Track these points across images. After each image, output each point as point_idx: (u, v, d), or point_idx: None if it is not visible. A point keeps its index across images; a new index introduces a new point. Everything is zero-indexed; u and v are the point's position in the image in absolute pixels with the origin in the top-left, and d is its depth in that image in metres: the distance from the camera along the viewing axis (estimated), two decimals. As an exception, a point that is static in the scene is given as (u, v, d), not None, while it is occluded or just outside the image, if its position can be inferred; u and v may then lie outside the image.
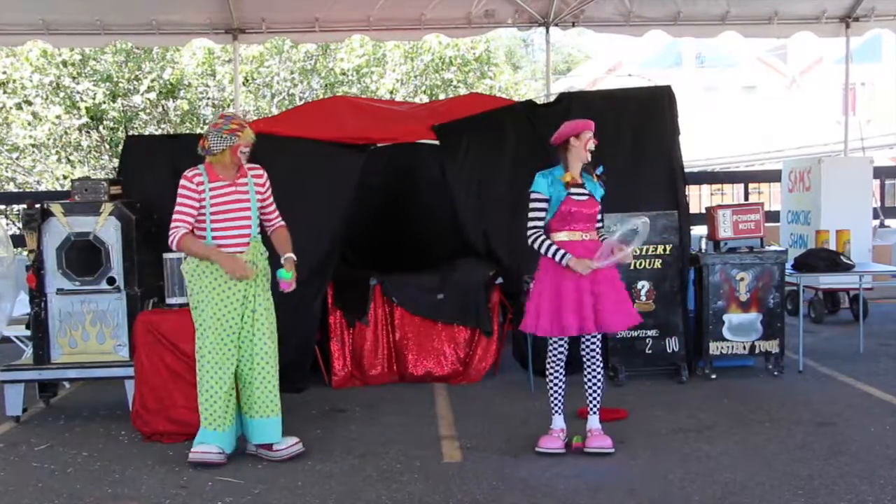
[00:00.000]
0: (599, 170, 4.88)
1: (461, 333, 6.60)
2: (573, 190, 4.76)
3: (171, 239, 4.75)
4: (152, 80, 15.92)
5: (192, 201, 4.76)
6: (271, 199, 5.04)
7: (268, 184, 5.01)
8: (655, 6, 9.39)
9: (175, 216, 4.76)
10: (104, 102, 15.85)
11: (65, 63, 15.51)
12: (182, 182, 4.80)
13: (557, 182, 4.78)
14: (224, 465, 4.80)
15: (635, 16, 9.46)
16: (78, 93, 15.68)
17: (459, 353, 6.59)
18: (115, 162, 16.18)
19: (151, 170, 6.71)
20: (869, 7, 9.51)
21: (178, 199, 4.77)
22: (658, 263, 6.36)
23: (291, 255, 4.95)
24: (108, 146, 16.67)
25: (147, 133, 16.14)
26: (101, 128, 16.42)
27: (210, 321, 4.77)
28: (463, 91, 16.97)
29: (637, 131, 6.81)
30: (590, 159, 4.84)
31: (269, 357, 4.88)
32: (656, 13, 9.50)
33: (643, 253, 6.33)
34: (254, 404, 4.89)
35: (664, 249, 6.36)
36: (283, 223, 5.08)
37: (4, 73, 15.35)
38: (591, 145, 4.79)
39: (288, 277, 4.86)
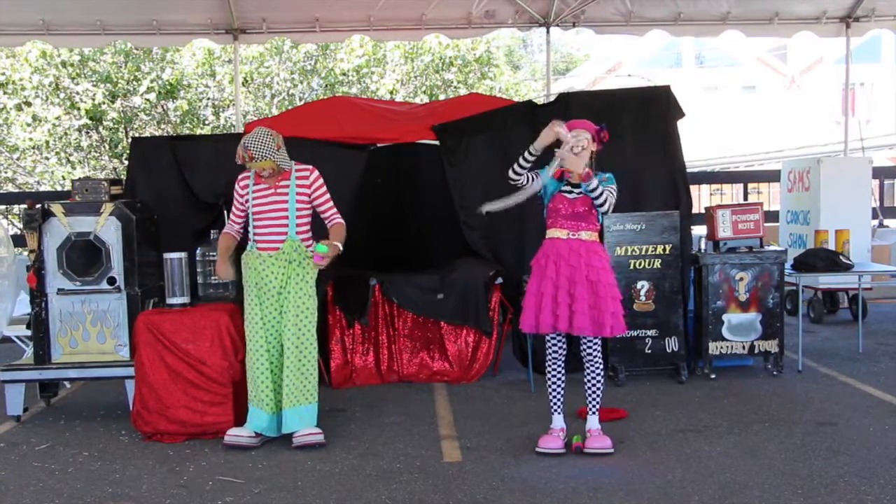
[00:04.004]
0: (600, 175, 4.80)
1: (461, 333, 6.61)
2: (565, 187, 4.78)
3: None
4: (152, 81, 15.90)
5: (238, 204, 5.22)
6: (323, 199, 5.19)
7: (316, 184, 5.17)
8: (656, 6, 9.39)
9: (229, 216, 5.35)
10: (104, 103, 15.84)
11: (64, 64, 15.49)
12: (235, 186, 5.27)
13: (549, 177, 4.78)
14: (256, 448, 5.05)
15: (636, 16, 9.46)
16: (77, 93, 15.66)
17: (459, 354, 6.59)
18: (115, 162, 16.22)
19: (157, 171, 6.72)
20: (869, 7, 9.52)
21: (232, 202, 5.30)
22: (658, 263, 6.36)
23: (336, 243, 5.10)
24: (107, 147, 16.67)
25: (147, 134, 16.14)
26: (100, 128, 16.41)
27: (247, 309, 5.16)
28: (463, 91, 16.97)
29: (636, 131, 6.81)
30: (577, 158, 4.73)
31: (293, 350, 5.07)
32: (657, 13, 9.50)
33: (643, 253, 6.34)
34: (282, 394, 5.11)
35: (664, 249, 6.36)
36: (339, 220, 5.23)
37: (4, 73, 15.34)
38: (573, 146, 4.66)
39: (323, 251, 5.00)
